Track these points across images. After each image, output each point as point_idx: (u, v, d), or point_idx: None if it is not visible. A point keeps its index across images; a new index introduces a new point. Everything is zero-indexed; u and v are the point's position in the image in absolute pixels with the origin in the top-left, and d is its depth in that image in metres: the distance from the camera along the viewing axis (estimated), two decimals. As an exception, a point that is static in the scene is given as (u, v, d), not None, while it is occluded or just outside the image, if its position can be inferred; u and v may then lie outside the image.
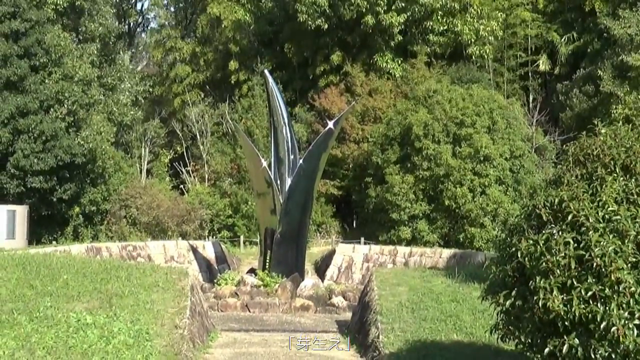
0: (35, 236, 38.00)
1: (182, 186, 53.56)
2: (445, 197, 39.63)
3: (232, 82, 56.38)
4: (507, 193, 39.81)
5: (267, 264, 29.95)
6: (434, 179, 40.20)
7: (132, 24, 68.33)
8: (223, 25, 56.36)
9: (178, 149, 57.02)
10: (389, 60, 50.15)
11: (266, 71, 33.06)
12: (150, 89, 58.12)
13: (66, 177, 39.75)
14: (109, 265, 21.37)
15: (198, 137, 54.11)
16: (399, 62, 50.54)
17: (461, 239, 39.29)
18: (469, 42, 50.08)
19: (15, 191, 38.61)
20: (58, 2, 45.48)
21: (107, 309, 17.05)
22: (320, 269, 35.27)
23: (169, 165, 56.26)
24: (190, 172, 54.20)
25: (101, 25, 50.20)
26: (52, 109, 39.35)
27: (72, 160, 39.12)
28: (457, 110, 40.88)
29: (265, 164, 29.79)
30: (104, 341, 15.20)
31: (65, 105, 39.75)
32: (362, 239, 38.31)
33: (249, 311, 26.78)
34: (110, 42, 53.88)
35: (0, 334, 15.16)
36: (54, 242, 38.22)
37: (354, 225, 50.54)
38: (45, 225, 40.81)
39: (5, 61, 38.77)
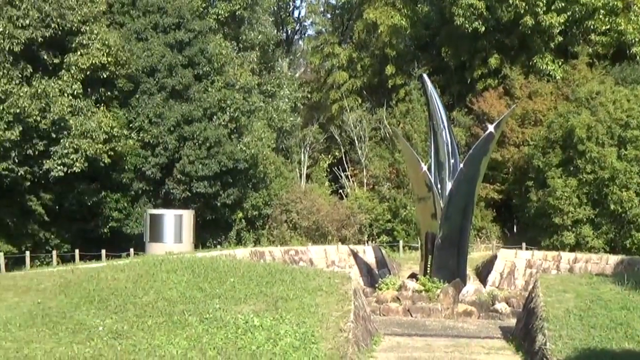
0: (200, 240, 39.04)
1: (341, 191, 53.95)
2: (610, 201, 38.45)
3: (389, 86, 56.40)
4: (678, 197, 38.29)
5: (428, 269, 29.77)
6: (598, 182, 39.09)
7: (289, 31, 69.37)
8: (379, 31, 56.46)
9: (337, 153, 57.47)
10: (548, 62, 49.06)
11: (424, 75, 32.95)
12: (309, 95, 58.95)
13: (229, 182, 40.73)
14: (273, 269, 21.72)
15: (356, 142, 54.37)
16: (560, 63, 49.35)
17: (628, 245, 38.02)
18: (633, 41, 48.30)
19: (182, 196, 39.89)
20: (219, 12, 46.75)
21: (273, 312, 17.33)
22: (482, 275, 34.78)
23: (328, 170, 56.77)
24: (349, 177, 54.54)
25: (260, 34, 51.29)
26: (215, 116, 40.43)
27: (235, 166, 40.05)
28: (622, 111, 39.65)
29: (425, 168, 29.66)
30: (271, 343, 15.46)
31: (228, 113, 40.75)
32: (524, 245, 37.59)
33: (411, 316, 26.71)
34: (269, 50, 54.98)
35: (173, 334, 15.66)
36: (218, 246, 39.23)
37: (515, 230, 49.63)
38: (210, 229, 41.89)
39: (170, 71, 40.09)
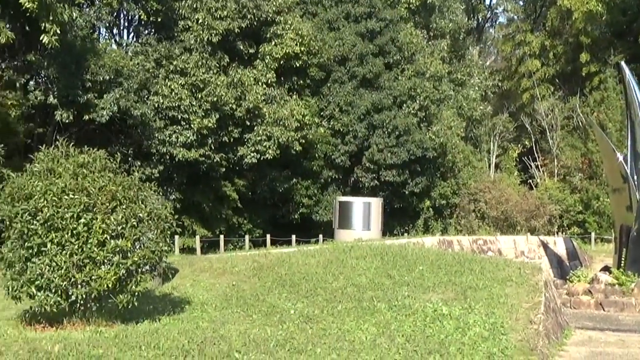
0: (387, 228, 39.27)
1: (530, 181, 53.05)
2: None
3: (583, 74, 54.84)
4: None
5: (622, 262, 28.82)
6: None
7: (480, 19, 68.60)
8: (574, 17, 54.93)
9: (527, 143, 56.49)
10: None
11: (622, 63, 31.80)
12: (499, 84, 58.20)
13: (417, 171, 40.84)
14: (462, 258, 21.58)
15: (547, 131, 53.26)
16: None
17: None
18: None
19: (370, 185, 40.34)
20: (410, 0, 46.70)
21: (462, 301, 17.25)
22: (680, 270, 33.29)
23: (517, 159, 55.92)
24: (539, 167, 53.51)
25: (451, 22, 51.05)
26: (404, 105, 40.58)
27: (424, 155, 40.12)
28: None
29: (621, 157, 28.69)
30: (459, 332, 15.39)
31: (417, 101, 40.83)
32: None
33: (603, 310, 25.93)
34: (460, 38, 54.60)
35: (363, 319, 15.86)
36: (405, 234, 39.37)
37: None
38: (398, 217, 42.16)
39: (361, 59, 40.57)
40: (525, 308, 17.17)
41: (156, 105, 33.17)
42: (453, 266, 20.35)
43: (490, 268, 20.23)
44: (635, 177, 28.92)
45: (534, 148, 55.14)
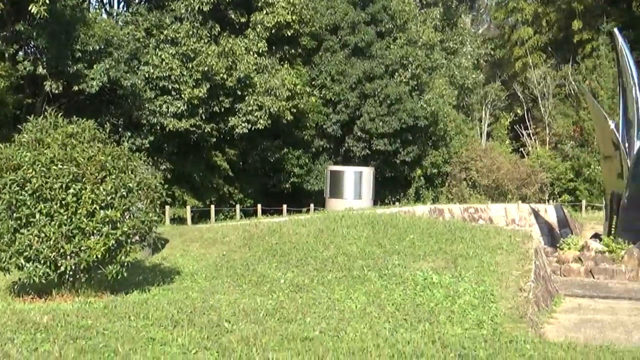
0: (379, 197, 39.28)
1: (522, 149, 53.10)
2: None
3: (575, 42, 54.71)
4: None
5: (613, 229, 28.91)
6: None
7: (473, -14, 68.37)
8: (567, -17, 54.81)
9: (518, 111, 56.50)
10: None
11: (616, 30, 31.69)
12: (491, 52, 58.06)
13: (409, 139, 40.81)
14: (453, 227, 21.61)
15: (539, 99, 53.25)
16: None
17: None
18: None
19: (362, 154, 40.31)
20: (403, -32, 46.44)
21: (452, 269, 17.29)
22: (671, 237, 33.39)
23: (509, 128, 55.97)
24: (531, 135, 53.55)
25: (444, -11, 50.85)
26: (396, 74, 40.47)
27: (415, 123, 40.07)
28: None
29: (612, 125, 28.70)
30: (449, 300, 15.45)
31: (409, 70, 40.72)
32: None
33: (593, 277, 26.03)
34: (452, 6, 54.45)
35: (353, 288, 15.91)
36: (397, 203, 39.42)
37: None
38: (389, 186, 42.20)
39: (353, 28, 40.43)
40: (515, 276, 17.23)
41: (146, 75, 33.03)
42: (444, 234, 20.38)
43: (480, 236, 20.26)
44: (627, 145, 28.97)
45: (526, 116, 55.15)
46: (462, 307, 15.18)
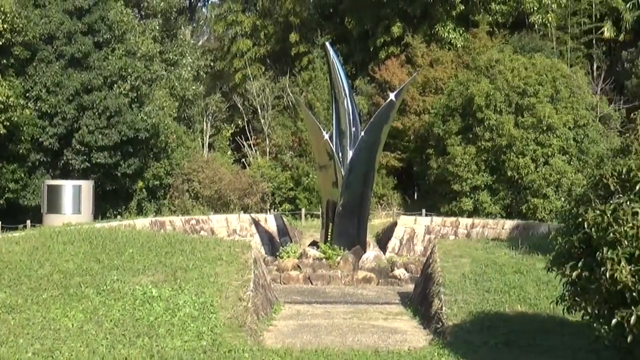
0: (100, 210, 38.47)
1: (243, 160, 53.88)
2: (507, 167, 39.21)
3: (293, 55, 56.35)
4: (571, 163, 39.19)
5: (329, 236, 30.01)
6: (496, 149, 39.80)
7: (192, -2, 68.68)
8: (283, -2, 56.33)
9: (239, 123, 57.27)
10: (450, 30, 49.58)
11: (327, 43, 32.93)
12: (212, 64, 58.45)
13: (130, 152, 40.26)
14: (173, 239, 21.62)
15: (259, 110, 54.34)
16: (461, 31, 49.91)
17: (524, 210, 38.88)
18: (532, 10, 49.10)
19: (81, 167, 39.27)
20: (119, -23, 45.80)
21: (172, 282, 17.29)
22: (382, 242, 35.21)
23: (231, 139, 56.62)
24: (252, 146, 54.49)
25: (163, 1, 50.65)
26: (115, 85, 39.81)
27: (136, 136, 39.61)
28: (520, 79, 40.28)
29: (327, 136, 29.75)
30: (169, 314, 15.44)
31: (129, 81, 40.17)
32: (424, 211, 38.15)
33: (312, 284, 26.92)
34: (172, 18, 54.25)
35: (69, 306, 15.51)
36: (118, 217, 38.79)
37: (415, 197, 50.34)
38: (110, 199, 41.43)
39: (69, 38, 39.34)
40: (234, 286, 17.49)
41: None
42: (164, 247, 20.35)
43: (200, 248, 20.42)
44: (340, 154, 30.20)
45: (247, 127, 56.06)
46: (182, 319, 15.22)
